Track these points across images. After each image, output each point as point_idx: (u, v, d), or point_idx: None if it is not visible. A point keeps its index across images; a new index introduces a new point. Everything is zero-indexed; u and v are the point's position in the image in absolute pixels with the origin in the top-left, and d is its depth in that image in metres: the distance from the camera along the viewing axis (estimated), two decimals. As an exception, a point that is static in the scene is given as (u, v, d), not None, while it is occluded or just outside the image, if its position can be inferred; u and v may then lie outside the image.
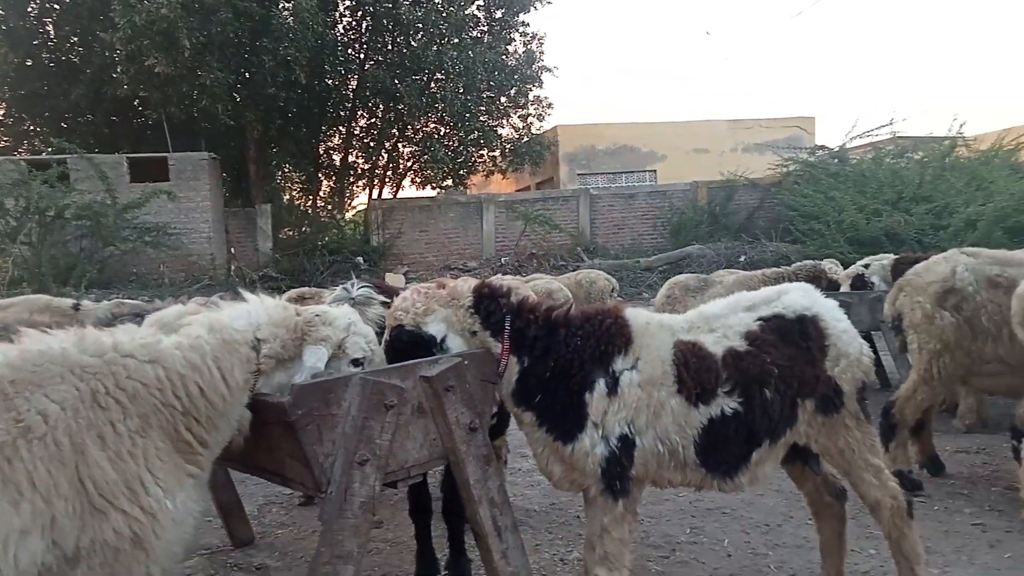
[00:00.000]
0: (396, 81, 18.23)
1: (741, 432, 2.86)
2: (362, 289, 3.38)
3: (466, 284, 2.78)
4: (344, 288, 3.53)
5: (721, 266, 14.21)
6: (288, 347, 2.44)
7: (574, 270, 13.16)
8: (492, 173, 21.77)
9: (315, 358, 2.39)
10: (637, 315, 2.98)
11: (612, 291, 9.38)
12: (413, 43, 18.85)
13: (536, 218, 17.96)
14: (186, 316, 2.61)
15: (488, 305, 2.76)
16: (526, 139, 20.98)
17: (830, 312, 3.10)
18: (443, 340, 2.73)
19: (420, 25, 18.25)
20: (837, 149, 17.10)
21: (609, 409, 2.74)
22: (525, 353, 2.76)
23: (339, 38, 19.29)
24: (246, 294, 2.64)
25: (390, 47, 19.72)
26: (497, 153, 20.67)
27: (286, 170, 23.91)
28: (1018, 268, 4.42)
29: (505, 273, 15.64)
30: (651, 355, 2.84)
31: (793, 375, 2.93)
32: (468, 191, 22.22)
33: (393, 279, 15.52)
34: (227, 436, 2.36)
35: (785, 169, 17.57)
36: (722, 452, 2.87)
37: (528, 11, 20.15)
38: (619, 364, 2.80)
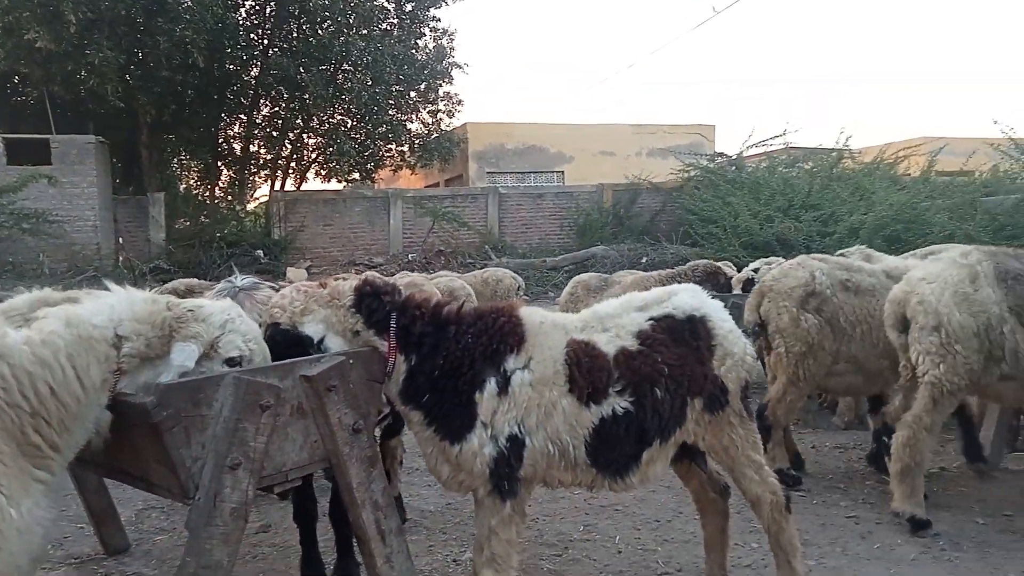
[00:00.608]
0: (301, 70, 17.67)
1: (632, 431, 2.88)
2: (246, 280, 3.22)
3: (348, 283, 2.68)
4: (228, 280, 3.36)
5: (625, 267, 14.50)
6: (154, 345, 2.27)
7: (482, 268, 13.15)
8: (400, 168, 21.46)
9: (183, 356, 2.23)
10: (531, 314, 2.96)
11: (518, 290, 9.39)
12: (320, 32, 18.34)
13: (445, 215, 17.84)
14: (42, 308, 2.39)
15: (370, 303, 2.66)
16: (435, 135, 20.80)
17: (717, 313, 3.18)
18: (321, 341, 2.62)
19: (327, 14, 17.76)
20: (735, 157, 17.78)
21: (499, 409, 2.70)
22: (412, 351, 2.68)
23: (241, 22, 18.53)
24: (111, 285, 2.44)
25: (295, 35, 19.12)
26: (406, 148, 20.39)
27: (182, 158, 22.79)
28: (858, 274, 4.83)
29: (412, 270, 15.45)
30: (544, 354, 2.82)
31: (683, 374, 2.98)
32: (375, 186, 21.84)
33: (295, 273, 15.05)
34: (82, 439, 2.17)
35: (686, 174, 18.12)
36: (613, 452, 2.88)
37: (439, 6, 19.97)
38: (511, 363, 2.77)
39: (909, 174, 15.41)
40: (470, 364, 2.70)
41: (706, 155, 19.18)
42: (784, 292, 4.76)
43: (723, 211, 14.44)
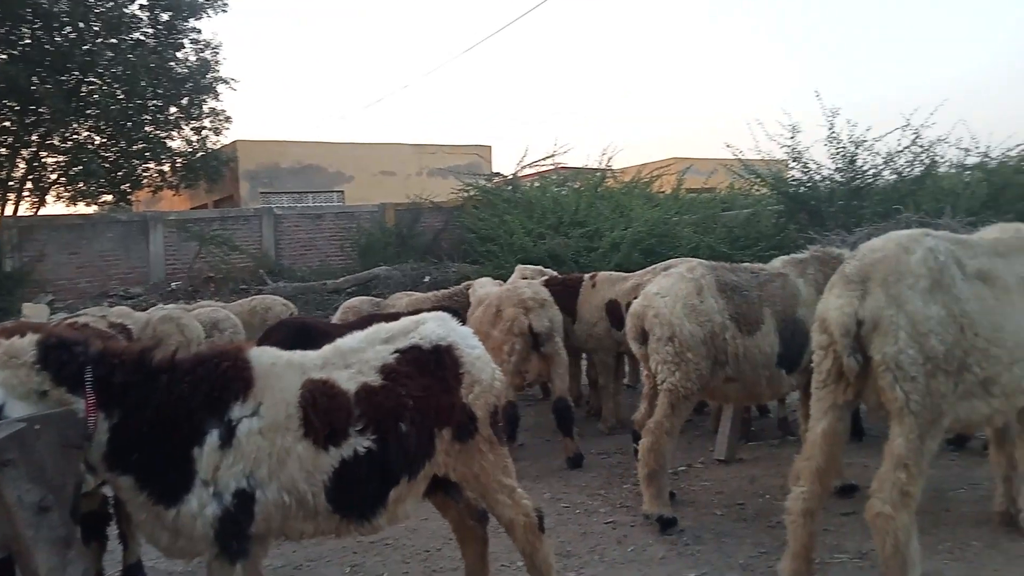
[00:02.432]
0: (35, 80, 15.68)
1: (377, 471, 2.77)
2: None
3: (27, 337, 2.31)
4: None
5: (408, 287, 14.42)
6: None
7: (257, 293, 12.41)
8: (161, 189, 19.74)
9: None
10: (261, 355, 2.75)
11: (290, 316, 8.93)
12: (58, 38, 16.41)
13: (213, 239, 16.65)
14: None
15: (59, 357, 2.32)
16: (201, 153, 19.40)
17: (465, 340, 3.17)
18: (0, 408, 2.23)
19: (66, 19, 15.95)
20: (510, 177, 18.43)
21: (223, 463, 2.46)
22: (116, 407, 2.37)
23: (-45, 24, 16.12)
24: None
25: (28, 40, 16.96)
26: (166, 167, 18.80)
27: None
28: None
29: (177, 299, 14.22)
30: (275, 398, 2.63)
31: (430, 406, 2.92)
32: (133, 208, 19.90)
33: (33, 309, 13.20)
34: None
35: (466, 194, 18.48)
36: (357, 494, 2.75)
37: (199, 17, 18.71)
38: (237, 411, 2.54)
39: (663, 192, 16.89)
40: (187, 416, 2.44)
41: (484, 175, 19.71)
42: (672, 304, 4.79)
43: (500, 229, 14.88)
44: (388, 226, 18.66)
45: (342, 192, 22.51)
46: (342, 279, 16.72)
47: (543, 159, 18.20)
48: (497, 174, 19.53)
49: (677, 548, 4.06)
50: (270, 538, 2.69)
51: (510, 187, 18.04)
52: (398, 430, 2.80)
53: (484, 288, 5.97)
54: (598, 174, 17.21)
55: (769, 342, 4.46)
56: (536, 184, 17.57)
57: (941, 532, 3.74)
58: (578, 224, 13.95)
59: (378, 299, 8.23)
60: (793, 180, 12.37)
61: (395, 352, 2.97)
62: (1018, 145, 11.10)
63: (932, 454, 2.92)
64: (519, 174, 18.38)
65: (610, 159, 17.61)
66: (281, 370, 2.71)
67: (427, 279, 15.53)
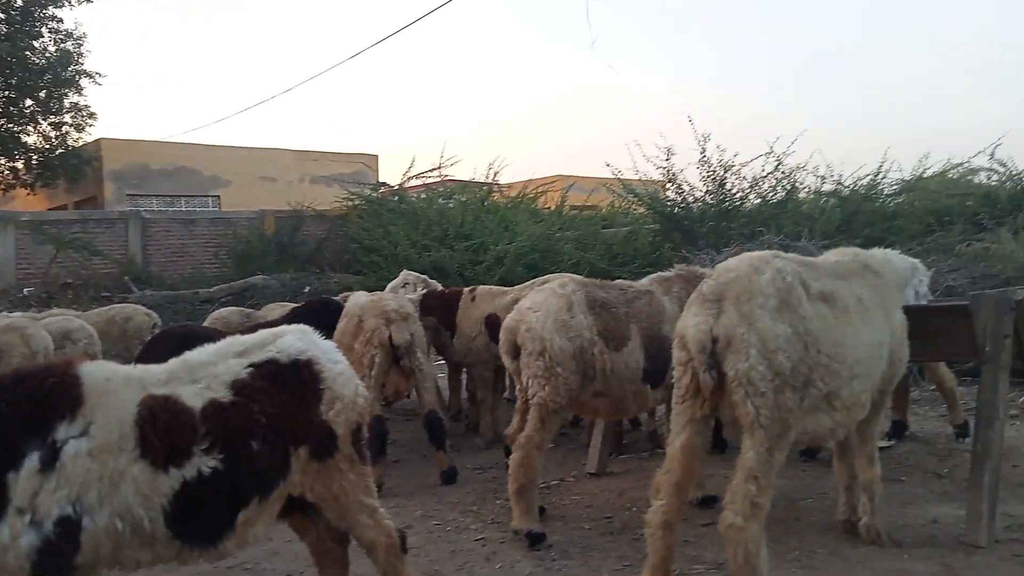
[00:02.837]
0: None
1: (224, 493, 2.60)
2: None
3: None
4: None
5: (286, 297, 13.94)
6: None
7: (121, 302, 11.61)
8: (14, 187, 18.20)
9: None
10: (95, 370, 2.53)
11: (153, 327, 8.40)
12: None
13: (72, 242, 15.50)
14: None
15: None
16: (60, 151, 18.05)
17: (326, 355, 3.05)
18: None
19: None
20: (397, 187, 18.23)
21: (43, 488, 2.24)
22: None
23: None
24: None
25: None
26: (20, 164, 17.36)
27: None
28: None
29: (28, 307, 13.10)
30: (108, 416, 2.42)
31: (285, 423, 2.78)
32: (-20, 207, 18.24)
33: None
34: None
35: (351, 203, 18.11)
36: (201, 519, 2.57)
37: (60, 5, 17.45)
38: (63, 431, 2.32)
39: (548, 208, 17.19)
40: (2, 438, 2.20)
41: (370, 184, 19.39)
42: (542, 319, 4.75)
43: (384, 240, 14.66)
44: (267, 234, 18.01)
45: (218, 197, 21.55)
46: (215, 288, 15.95)
47: (430, 171, 18.14)
48: (383, 184, 19.27)
49: (545, 563, 4.06)
50: (101, 568, 2.47)
51: (396, 197, 17.85)
52: (249, 449, 2.65)
53: (354, 299, 5.82)
54: (485, 188, 17.31)
55: (635, 358, 4.56)
56: (423, 195, 17.46)
57: (790, 540, 3.93)
58: (463, 237, 13.96)
59: (250, 310, 7.86)
60: (668, 201, 12.88)
61: (249, 366, 2.82)
62: (867, 175, 12.03)
63: (780, 466, 3.06)
64: (405, 185, 18.22)
65: (496, 174, 17.77)
66: (117, 386, 2.51)
67: (307, 289, 15.07)
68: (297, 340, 3.02)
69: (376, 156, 23.68)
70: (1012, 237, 8.49)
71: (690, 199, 12.65)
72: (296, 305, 6.67)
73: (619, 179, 13.45)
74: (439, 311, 6.85)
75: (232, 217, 18.43)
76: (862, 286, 3.45)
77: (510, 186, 18.84)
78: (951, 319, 3.95)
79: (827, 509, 4.23)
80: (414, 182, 18.44)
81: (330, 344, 3.15)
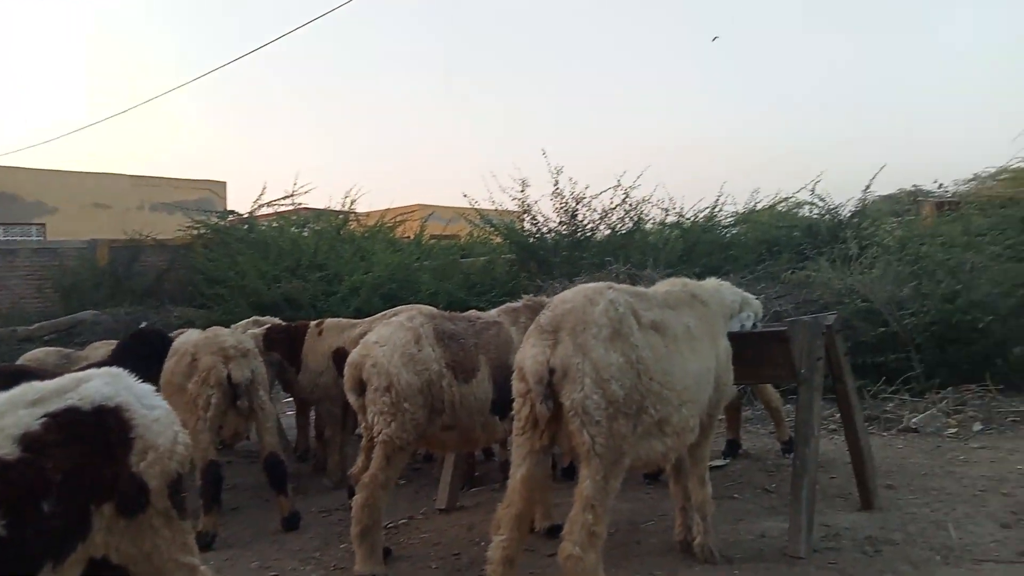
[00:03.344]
0: None
1: (10, 560, 2.30)
2: None
3: None
4: None
5: (119, 334, 12.87)
6: None
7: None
8: None
9: None
10: None
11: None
12: None
13: None
14: None
15: None
16: None
17: (140, 400, 2.79)
18: None
19: None
20: (246, 215, 17.45)
21: None
22: None
23: None
24: None
25: None
26: None
27: None
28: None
29: None
30: None
31: (85, 479, 2.50)
32: None
33: None
34: None
35: (195, 231, 17.14)
36: (-19, 592, 2.26)
37: None
38: None
39: (409, 237, 17.04)
40: None
41: (217, 212, 18.45)
42: (390, 353, 4.52)
43: (231, 271, 13.95)
44: (100, 265, 16.67)
45: (43, 225, 19.74)
46: (36, 325, 14.52)
47: (283, 198, 17.49)
48: (231, 212, 18.38)
49: (389, 608, 3.91)
50: None
51: (246, 226, 17.08)
52: (39, 511, 2.36)
53: (185, 337, 5.44)
54: (341, 217, 16.92)
55: (484, 389, 4.55)
56: (274, 224, 16.81)
57: (631, 564, 4.01)
58: (317, 267, 13.54)
59: (70, 351, 7.17)
60: (524, 231, 13.12)
61: (44, 416, 2.53)
62: (706, 208, 12.83)
63: (615, 493, 3.11)
64: (256, 213, 17.48)
65: (353, 202, 17.44)
66: None
67: (144, 324, 14.03)
68: (104, 385, 2.75)
69: (224, 183, 22.63)
70: (829, 266, 9.28)
71: (544, 229, 12.95)
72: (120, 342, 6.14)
73: (476, 209, 13.57)
74: (283, 346, 6.56)
75: (59, 247, 16.93)
76: (690, 315, 3.62)
77: (368, 215, 18.54)
78: (771, 344, 4.23)
79: (667, 531, 4.36)
80: (265, 210, 17.74)
81: (146, 388, 2.89)
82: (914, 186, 17.51)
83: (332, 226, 16.23)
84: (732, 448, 6.38)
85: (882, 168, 13.53)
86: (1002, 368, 7.62)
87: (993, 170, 14.52)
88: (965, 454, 6.12)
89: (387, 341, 4.43)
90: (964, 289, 7.92)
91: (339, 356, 6.24)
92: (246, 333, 6.52)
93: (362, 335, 5.92)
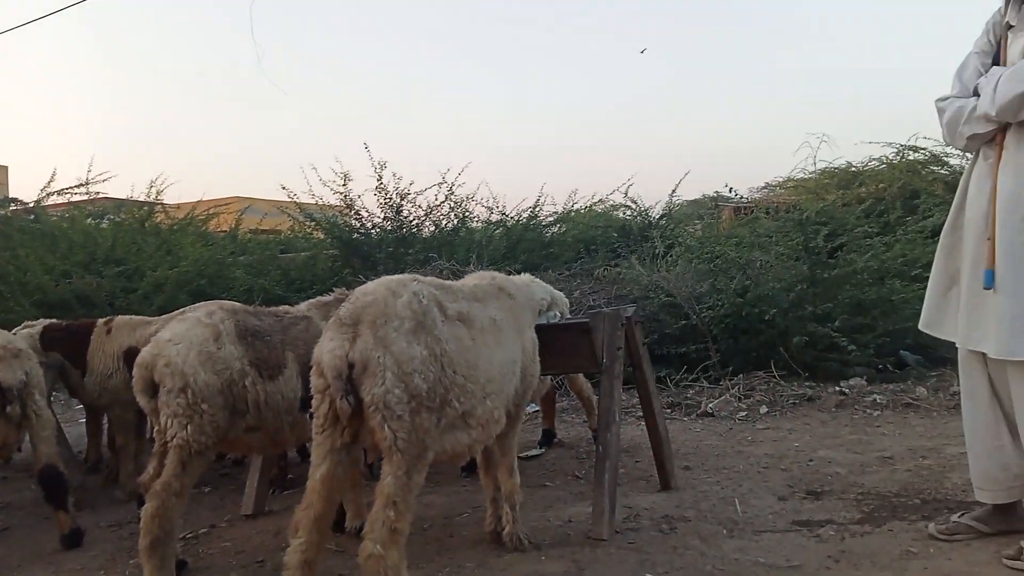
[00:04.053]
0: None
1: None
2: None
3: None
4: None
5: None
6: None
7: None
8: None
9: None
10: None
11: None
12: None
13: None
14: None
15: None
16: None
17: None
18: None
19: None
20: (32, 204, 15.62)
21: None
22: None
23: None
24: None
25: None
26: None
27: None
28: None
29: None
30: None
31: None
32: None
33: None
34: None
35: (-32, 221, 15.10)
36: None
37: None
38: None
39: (225, 231, 16.04)
40: None
41: (-5, 200, 16.37)
42: (184, 352, 4.07)
43: (11, 265, 12.41)
44: None
45: None
46: None
47: (76, 186, 15.83)
48: (14, 200, 16.38)
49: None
50: None
51: (32, 216, 15.29)
52: None
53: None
54: (145, 208, 15.63)
55: (292, 387, 4.34)
56: (66, 215, 15.19)
57: (443, 559, 4.00)
58: (115, 262, 12.38)
59: None
60: (347, 226, 12.80)
61: None
62: (528, 208, 13.17)
63: (419, 488, 3.07)
64: (44, 201, 15.69)
65: (160, 192, 16.18)
66: None
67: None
68: None
69: (6, 167, 20.16)
70: (639, 263, 9.85)
71: (369, 225, 12.70)
72: None
73: (296, 203, 13.05)
74: (64, 345, 5.91)
75: None
76: (497, 308, 3.65)
77: (178, 207, 17.28)
78: (575, 335, 4.39)
79: (479, 523, 4.39)
80: (55, 199, 15.99)
81: None
82: (716, 192, 19.04)
83: (136, 218, 14.95)
84: (547, 438, 6.58)
85: (686, 175, 14.61)
86: (784, 356, 8.44)
87: (782, 179, 16.16)
88: (752, 435, 6.72)
89: (182, 339, 4.11)
90: (753, 285, 8.71)
91: (130, 356, 5.70)
92: (19, 332, 5.82)
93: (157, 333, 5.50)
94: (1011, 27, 3.70)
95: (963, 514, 3.95)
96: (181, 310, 6.09)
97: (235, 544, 4.61)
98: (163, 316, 6.09)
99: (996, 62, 3.73)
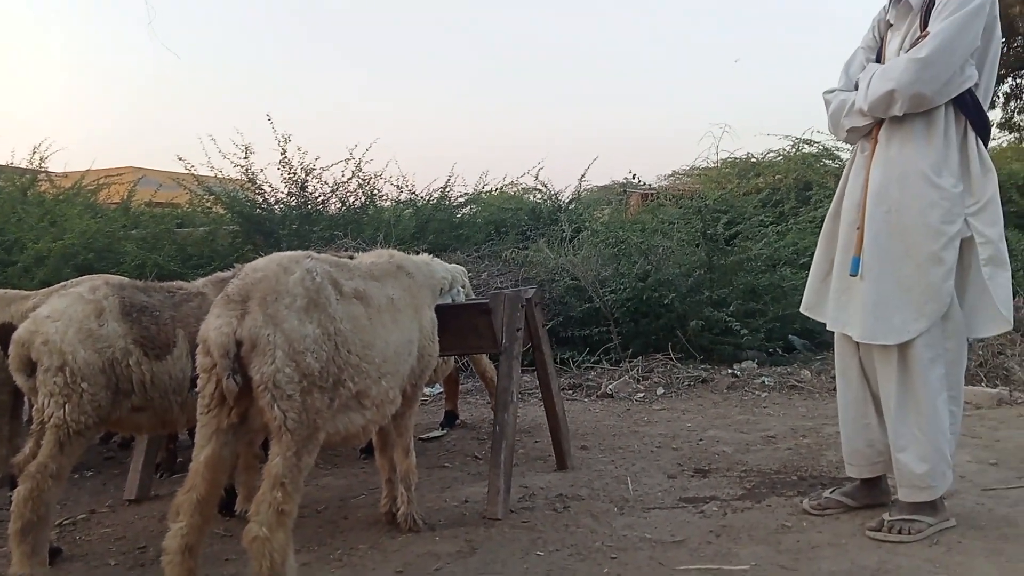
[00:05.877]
0: None
1: None
2: None
3: None
4: None
5: None
6: None
7: None
8: None
9: None
10: None
11: None
12: None
13: None
14: None
15: None
16: None
17: None
18: None
19: None
20: None
21: None
22: None
23: None
24: None
25: None
26: None
27: None
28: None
29: None
30: None
31: None
32: None
33: None
34: None
35: None
36: None
37: None
38: None
39: (117, 203, 15.18)
40: None
41: None
42: (65, 328, 3.83)
43: None
44: None
45: None
46: None
47: (-55, 150, 14.66)
48: None
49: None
50: None
51: None
52: None
53: None
54: (27, 176, 14.60)
55: (181, 366, 4.17)
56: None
57: (336, 541, 3.95)
58: (-7, 232, 11.54)
59: None
60: (248, 201, 12.36)
61: None
62: (439, 188, 13.08)
63: (308, 469, 3.02)
64: (-91, 165, 14.46)
65: (44, 159, 15.14)
66: None
67: None
68: None
69: None
70: (547, 246, 9.97)
71: (272, 200, 12.30)
72: None
73: (194, 175, 12.48)
74: (-72, 322, 5.47)
75: None
76: (395, 287, 3.62)
77: (66, 175, 16.22)
78: (475, 315, 4.40)
79: (375, 505, 4.37)
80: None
81: None
82: (625, 178, 19.46)
83: (17, 186, 13.95)
84: (450, 419, 6.60)
85: (595, 160, 14.88)
86: (681, 339, 8.75)
87: (687, 168, 16.66)
88: (648, 415, 6.94)
89: (61, 315, 3.89)
90: (654, 269, 8.97)
91: (6, 333, 5.35)
92: None
93: (35, 309, 5.16)
94: (891, 25, 3.93)
95: (834, 490, 4.22)
96: (62, 284, 5.76)
97: (116, 530, 4.41)
98: (42, 291, 5.71)
99: (879, 58, 3.96)
